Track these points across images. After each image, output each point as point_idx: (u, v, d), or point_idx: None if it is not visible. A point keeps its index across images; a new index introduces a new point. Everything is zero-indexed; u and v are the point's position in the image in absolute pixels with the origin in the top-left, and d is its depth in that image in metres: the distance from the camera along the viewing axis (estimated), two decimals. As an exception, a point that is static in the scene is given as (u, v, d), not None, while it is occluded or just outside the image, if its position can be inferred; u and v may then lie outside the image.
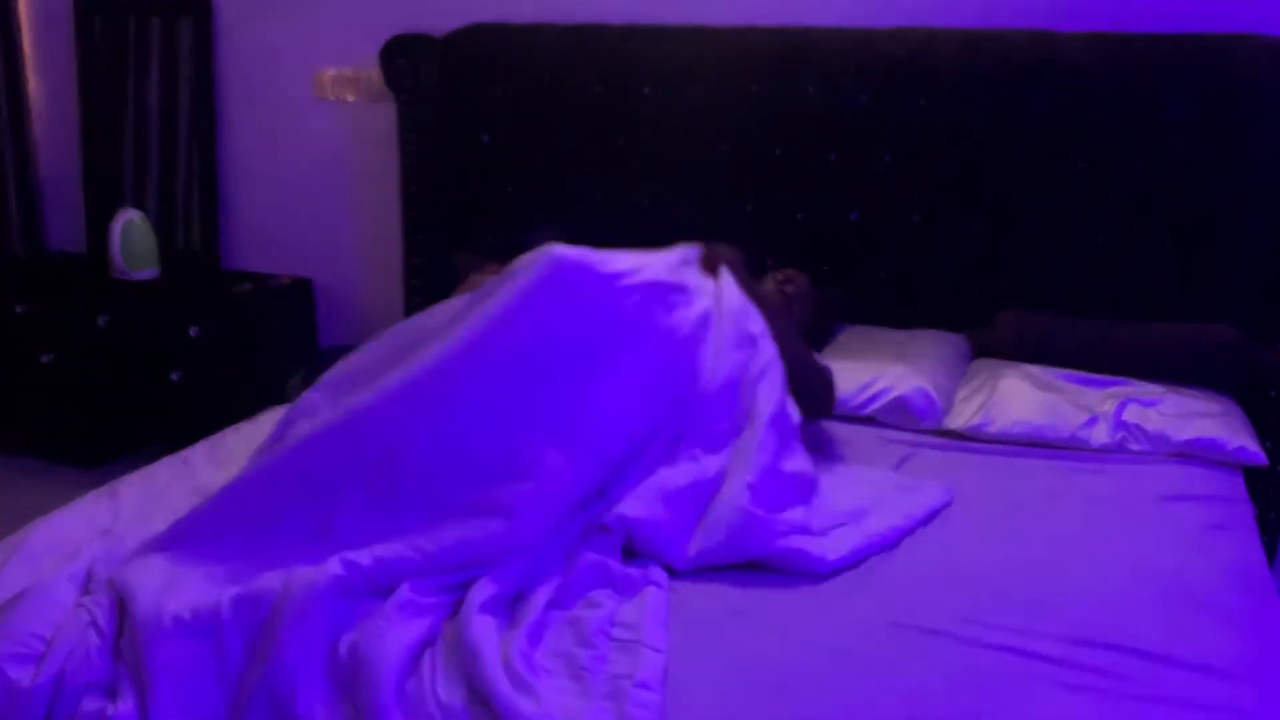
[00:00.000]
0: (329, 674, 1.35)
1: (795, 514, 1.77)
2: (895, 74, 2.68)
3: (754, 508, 1.70)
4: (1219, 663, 1.46)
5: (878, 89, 2.70)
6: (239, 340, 3.28)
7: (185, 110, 3.53)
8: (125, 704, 1.32)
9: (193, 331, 3.21)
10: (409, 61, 3.03)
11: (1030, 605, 1.58)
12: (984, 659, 1.46)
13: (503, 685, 1.28)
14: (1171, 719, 1.34)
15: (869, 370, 2.38)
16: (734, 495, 1.73)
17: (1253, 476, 2.30)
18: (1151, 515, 1.93)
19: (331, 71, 3.36)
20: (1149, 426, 2.22)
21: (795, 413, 2.00)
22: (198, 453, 2.00)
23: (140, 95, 3.57)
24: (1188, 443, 2.18)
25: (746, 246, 2.79)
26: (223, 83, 3.51)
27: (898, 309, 2.75)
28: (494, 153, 3.07)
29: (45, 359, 3.33)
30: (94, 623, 1.42)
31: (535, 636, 1.43)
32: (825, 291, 2.68)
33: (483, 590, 1.49)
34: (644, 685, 1.33)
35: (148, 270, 3.41)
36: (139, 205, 3.57)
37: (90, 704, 1.33)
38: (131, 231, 3.37)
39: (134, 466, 1.96)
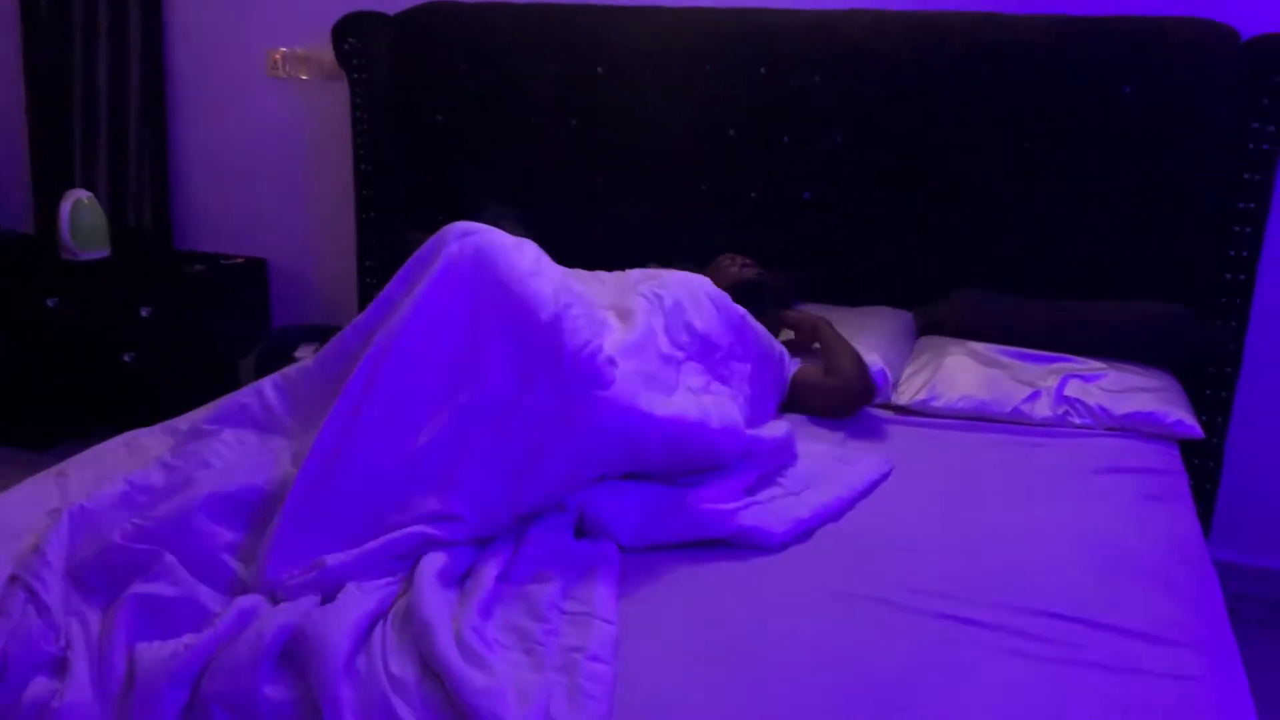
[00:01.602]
0: (281, 657, 1.34)
1: (739, 499, 1.80)
2: (848, 55, 2.70)
3: (701, 504, 1.73)
4: (1155, 629, 1.50)
5: (830, 70, 2.72)
6: (192, 321, 3.25)
7: (134, 88, 3.48)
8: (75, 689, 1.30)
9: (144, 312, 3.19)
10: (361, 40, 3.01)
11: (972, 574, 1.62)
12: (928, 627, 1.49)
13: (455, 659, 1.29)
14: (1110, 683, 1.38)
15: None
16: (680, 493, 1.77)
17: (1189, 449, 2.36)
18: (1090, 486, 1.98)
19: (283, 50, 3.33)
20: (1090, 401, 2.27)
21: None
22: (149, 434, 1.98)
23: (88, 73, 3.51)
24: (1127, 416, 2.24)
25: (702, 226, 2.82)
26: (173, 60, 3.47)
27: (850, 287, 2.78)
28: (448, 132, 3.06)
29: (-7, 341, 3.30)
30: (35, 599, 1.41)
31: (487, 610, 1.44)
32: (784, 272, 2.70)
33: (433, 564, 1.51)
34: (596, 658, 1.35)
35: (98, 250, 3.37)
36: (88, 185, 3.52)
37: (37, 688, 1.32)
38: (81, 211, 3.32)
39: (85, 449, 1.93)
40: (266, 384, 1.85)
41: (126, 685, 1.32)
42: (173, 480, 1.69)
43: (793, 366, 2.33)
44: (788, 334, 2.46)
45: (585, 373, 1.70)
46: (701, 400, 1.93)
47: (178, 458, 1.76)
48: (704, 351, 2.15)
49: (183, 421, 1.96)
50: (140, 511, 1.59)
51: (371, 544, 1.53)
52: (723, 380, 2.14)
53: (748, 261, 2.58)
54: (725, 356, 2.18)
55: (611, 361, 1.76)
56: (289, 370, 1.87)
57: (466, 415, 1.67)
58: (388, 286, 1.84)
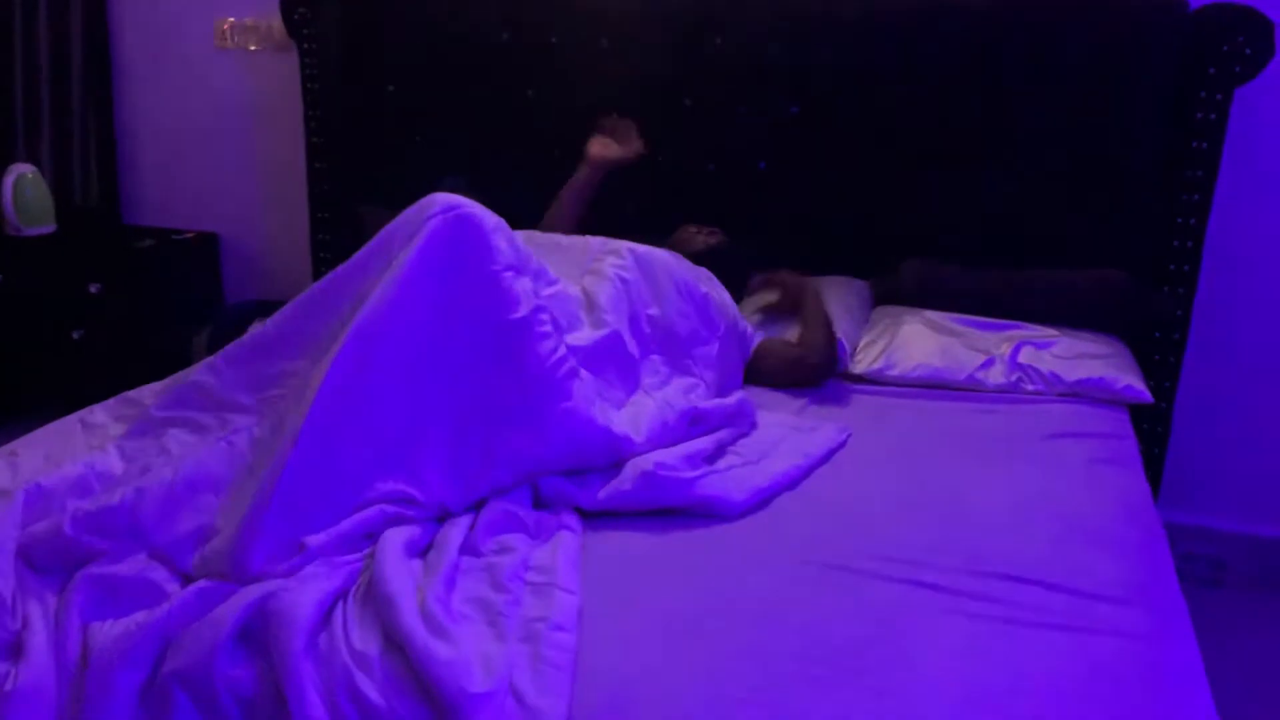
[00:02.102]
0: (241, 635, 1.33)
1: (699, 468, 1.81)
2: (801, 25, 2.70)
3: (660, 474, 1.74)
4: (1105, 589, 1.53)
5: (785, 40, 2.73)
6: (142, 297, 3.21)
7: (78, 59, 3.40)
8: (30, 672, 1.29)
9: (93, 289, 3.13)
10: (311, 9, 2.97)
11: (927, 539, 1.64)
12: (886, 591, 1.51)
13: (419, 632, 1.29)
14: (1063, 642, 1.40)
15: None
16: (640, 460, 1.77)
17: (1138, 414, 2.40)
18: (1043, 451, 2.01)
19: (231, 20, 3.28)
20: (1042, 367, 2.30)
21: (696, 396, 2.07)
22: (104, 410, 1.93)
23: (29, 43, 3.42)
24: (1079, 382, 2.27)
25: (658, 196, 2.83)
26: (118, 30, 3.39)
27: (806, 257, 2.79)
28: (400, 103, 3.03)
29: (-64, 320, 3.23)
30: None
31: (450, 582, 1.44)
32: (740, 242, 2.71)
33: (395, 537, 1.51)
34: (559, 627, 1.35)
35: (43, 226, 3.30)
36: (31, 159, 3.45)
37: None
38: (25, 186, 3.25)
39: (34, 428, 1.88)
40: (220, 360, 1.81)
41: (81, 665, 1.31)
42: (130, 469, 1.65)
43: (755, 339, 2.34)
44: (769, 297, 2.46)
45: (546, 383, 1.73)
46: (646, 404, 1.95)
47: (135, 443, 1.72)
48: (665, 343, 2.16)
49: (144, 394, 1.91)
50: (94, 496, 1.56)
51: (345, 522, 1.52)
52: (684, 371, 2.15)
53: (713, 230, 2.59)
54: (688, 343, 2.18)
55: (574, 373, 1.79)
56: (244, 341, 1.83)
57: (427, 406, 1.66)
58: (361, 255, 1.78)
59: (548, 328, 1.78)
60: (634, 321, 2.12)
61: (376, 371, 1.61)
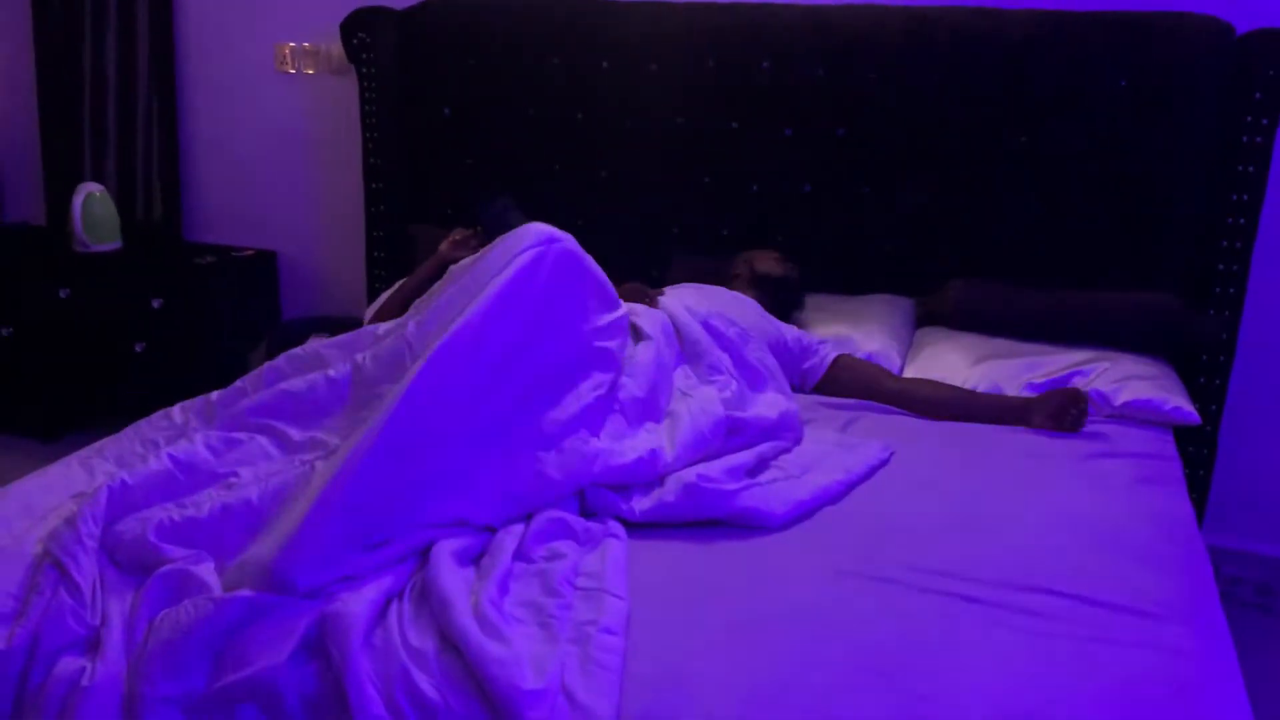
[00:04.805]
0: (302, 642, 1.36)
1: (740, 480, 1.84)
2: (847, 49, 2.74)
3: (704, 483, 1.77)
4: (1147, 605, 1.54)
5: (830, 64, 2.77)
6: (202, 312, 3.29)
7: (144, 81, 3.52)
8: (106, 667, 1.32)
9: (155, 304, 3.22)
10: (370, 35, 3.05)
11: (970, 554, 1.66)
12: (927, 604, 1.53)
13: (474, 631, 1.33)
14: (1103, 656, 1.42)
15: (826, 336, 2.49)
16: (683, 473, 1.81)
17: (1183, 436, 2.40)
18: (1086, 471, 2.02)
19: (291, 45, 3.37)
20: (1089, 389, 2.31)
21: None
22: (180, 412, 1.95)
23: (98, 66, 3.55)
24: (1126, 404, 2.28)
25: (705, 218, 2.87)
26: (182, 54, 3.50)
27: (850, 277, 2.83)
28: (454, 125, 3.10)
29: (5, 332, 3.33)
30: (66, 579, 1.42)
31: (504, 586, 1.48)
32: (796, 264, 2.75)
33: (448, 545, 1.55)
34: (608, 630, 1.39)
35: (109, 243, 3.41)
36: (98, 177, 3.56)
37: (66, 667, 1.33)
38: (92, 204, 3.36)
39: (96, 439, 1.91)
40: (320, 380, 1.83)
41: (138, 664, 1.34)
42: (216, 469, 1.69)
43: (827, 352, 2.41)
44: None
45: (587, 416, 1.81)
46: (681, 413, 1.99)
47: (222, 435, 1.76)
48: (693, 357, 2.22)
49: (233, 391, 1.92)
50: (179, 498, 1.60)
51: (390, 549, 1.53)
52: (712, 378, 2.19)
53: (793, 265, 2.64)
54: (717, 353, 2.23)
55: (612, 405, 1.89)
56: (359, 363, 1.85)
57: (483, 430, 1.69)
58: (457, 286, 1.86)
59: (601, 369, 1.88)
60: (667, 337, 2.19)
61: (442, 403, 1.63)
